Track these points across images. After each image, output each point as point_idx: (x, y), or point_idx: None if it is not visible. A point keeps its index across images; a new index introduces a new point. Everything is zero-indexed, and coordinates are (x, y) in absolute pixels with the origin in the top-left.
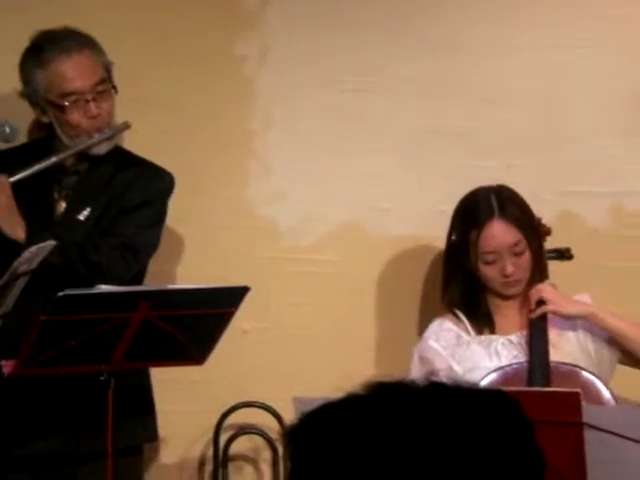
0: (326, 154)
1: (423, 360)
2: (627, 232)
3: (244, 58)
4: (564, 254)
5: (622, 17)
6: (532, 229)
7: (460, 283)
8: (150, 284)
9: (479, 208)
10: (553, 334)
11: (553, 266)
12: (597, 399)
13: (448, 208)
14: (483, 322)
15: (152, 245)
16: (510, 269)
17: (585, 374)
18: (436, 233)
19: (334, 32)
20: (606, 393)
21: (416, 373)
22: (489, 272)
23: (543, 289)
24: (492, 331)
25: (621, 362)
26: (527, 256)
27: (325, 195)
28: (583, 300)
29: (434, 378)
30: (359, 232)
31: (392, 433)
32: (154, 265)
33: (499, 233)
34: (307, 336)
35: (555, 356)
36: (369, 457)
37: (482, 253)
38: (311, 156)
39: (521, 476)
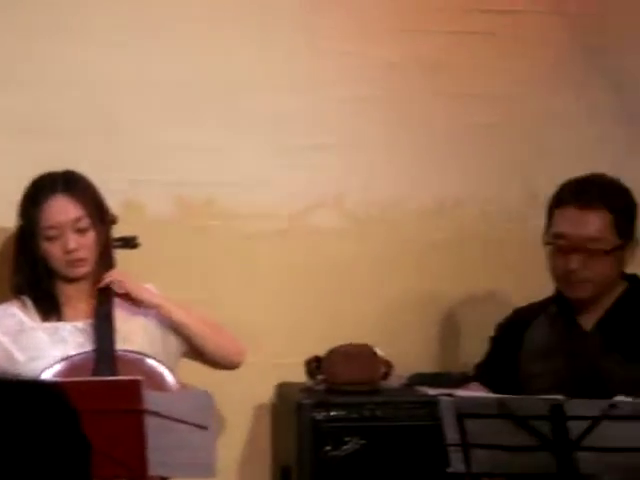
0: None
1: None
2: (191, 222)
3: None
4: (129, 242)
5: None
6: (97, 209)
7: (27, 267)
8: None
9: (43, 187)
10: (121, 321)
11: (120, 255)
12: (162, 386)
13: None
14: (50, 308)
15: None
16: (72, 245)
17: (150, 362)
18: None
19: None
20: (171, 380)
21: None
22: (52, 249)
23: (118, 273)
24: (59, 318)
25: (186, 355)
26: (92, 235)
27: None
28: (150, 289)
29: None
30: None
31: None
32: None
33: (60, 208)
34: None
35: (122, 344)
36: None
37: (44, 228)
38: None
39: (66, 464)
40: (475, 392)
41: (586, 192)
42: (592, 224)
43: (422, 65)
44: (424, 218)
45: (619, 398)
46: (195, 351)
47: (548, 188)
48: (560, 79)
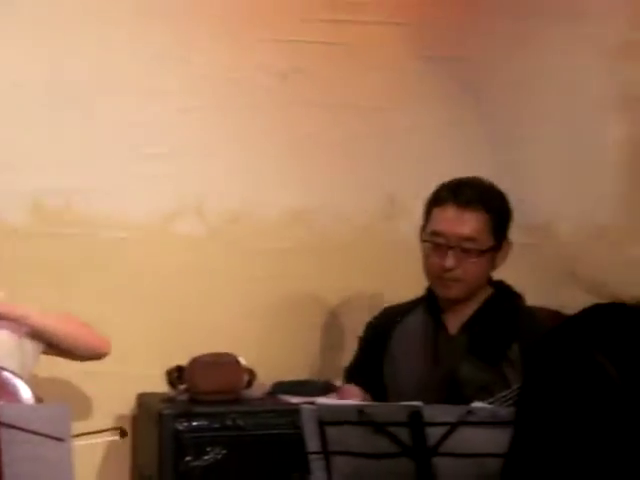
0: None
1: None
2: (46, 229)
3: None
4: None
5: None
6: None
7: None
8: None
9: None
10: None
11: None
12: (17, 398)
13: None
14: None
15: None
16: None
17: (5, 374)
18: None
19: None
20: (27, 392)
21: None
22: None
23: None
24: None
25: (46, 353)
26: None
27: None
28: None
29: None
30: None
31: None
32: None
33: None
34: None
35: None
36: None
37: None
38: None
39: None
40: (346, 396)
41: (465, 192)
42: (469, 223)
43: (273, 74)
44: (284, 224)
45: (476, 404)
46: (57, 348)
47: (406, 194)
48: (416, 90)
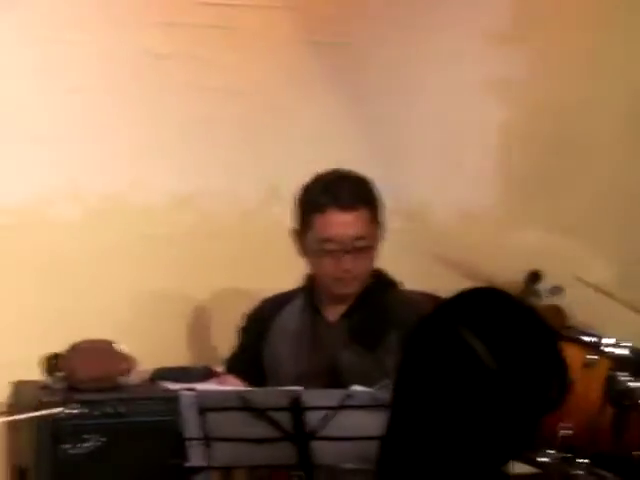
0: None
1: None
2: None
3: None
4: None
5: None
6: None
7: None
8: None
9: None
10: None
11: None
12: None
13: None
14: None
15: None
16: None
17: None
18: None
19: None
20: None
21: None
22: None
23: None
24: None
25: None
26: None
27: None
28: None
29: None
30: None
31: None
32: None
33: None
34: None
35: None
36: None
37: None
38: None
39: None
40: (225, 385)
41: (343, 193)
42: (357, 224)
43: (159, 57)
44: (168, 209)
45: (355, 388)
46: None
47: (290, 180)
48: (297, 75)
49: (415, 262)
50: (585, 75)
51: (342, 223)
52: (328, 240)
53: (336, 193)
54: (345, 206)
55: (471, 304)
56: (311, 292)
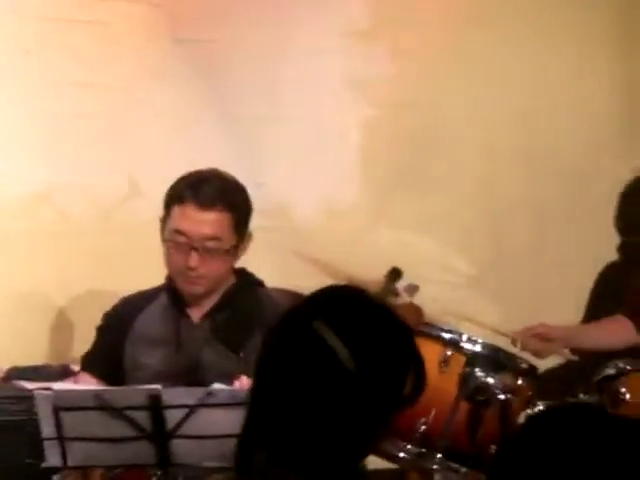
0: None
1: None
2: None
3: None
4: None
5: None
6: None
7: None
8: None
9: None
10: None
11: None
12: None
13: None
14: None
15: None
16: None
17: None
18: None
19: None
20: None
21: None
22: None
23: None
24: None
25: None
26: None
27: None
28: None
29: None
30: None
31: None
32: None
33: None
34: None
35: None
36: None
37: None
38: None
39: None
40: (80, 384)
41: (206, 190)
42: (212, 224)
43: (22, 50)
44: (19, 207)
45: (215, 385)
46: None
47: (151, 176)
48: (161, 72)
49: (278, 260)
50: (449, 73)
51: (197, 220)
52: (179, 233)
53: (199, 189)
54: (204, 204)
55: (326, 301)
56: (174, 291)
